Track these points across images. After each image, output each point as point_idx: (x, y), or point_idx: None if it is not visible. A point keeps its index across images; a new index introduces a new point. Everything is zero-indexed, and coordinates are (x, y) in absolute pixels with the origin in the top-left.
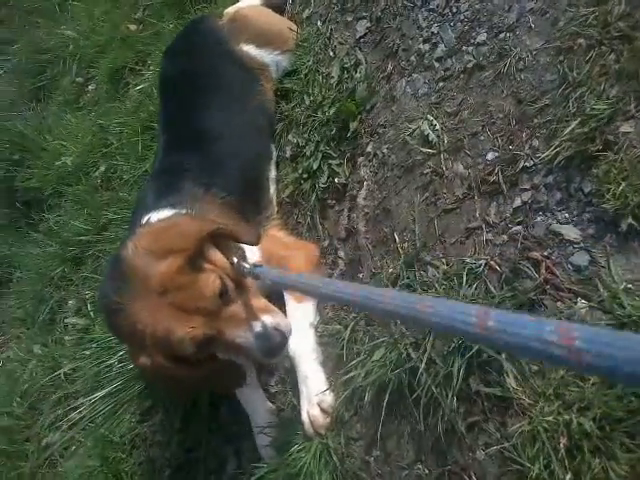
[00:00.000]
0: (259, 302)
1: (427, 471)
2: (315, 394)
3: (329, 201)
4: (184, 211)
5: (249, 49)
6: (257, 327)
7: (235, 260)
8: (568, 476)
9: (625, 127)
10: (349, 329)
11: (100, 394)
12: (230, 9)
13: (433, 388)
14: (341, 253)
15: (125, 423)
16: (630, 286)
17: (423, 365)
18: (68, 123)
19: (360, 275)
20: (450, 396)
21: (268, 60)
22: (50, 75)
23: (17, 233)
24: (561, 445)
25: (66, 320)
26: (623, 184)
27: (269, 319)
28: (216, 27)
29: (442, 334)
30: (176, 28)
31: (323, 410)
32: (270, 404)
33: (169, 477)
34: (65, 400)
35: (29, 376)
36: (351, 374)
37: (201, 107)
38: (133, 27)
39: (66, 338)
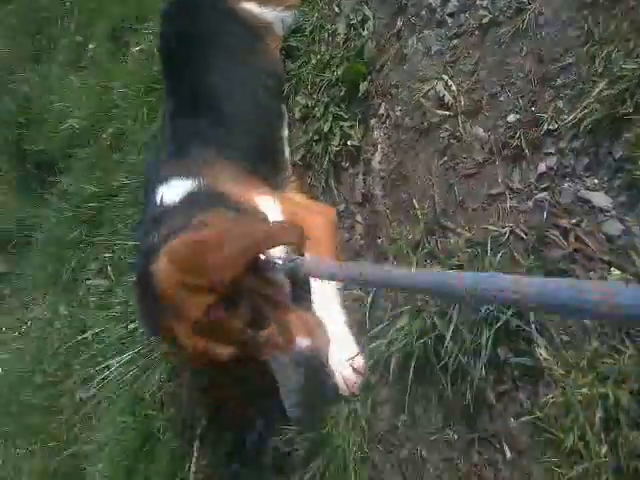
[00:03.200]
0: (296, 320)
1: (456, 437)
2: (346, 356)
3: (343, 164)
4: (194, 182)
5: (251, 7)
6: (293, 354)
7: (265, 258)
8: (604, 449)
9: None
10: (371, 295)
11: (127, 357)
12: None
13: (460, 357)
14: (358, 217)
15: (155, 382)
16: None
17: (449, 334)
18: (71, 84)
19: (379, 241)
20: (479, 365)
21: (271, 17)
22: (48, 35)
23: (32, 196)
24: (596, 418)
25: (88, 282)
26: None
27: (305, 342)
28: None
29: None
30: None
31: (355, 370)
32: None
33: (199, 434)
34: (94, 359)
35: (58, 335)
36: (376, 342)
37: (205, 69)
38: None
39: (90, 299)
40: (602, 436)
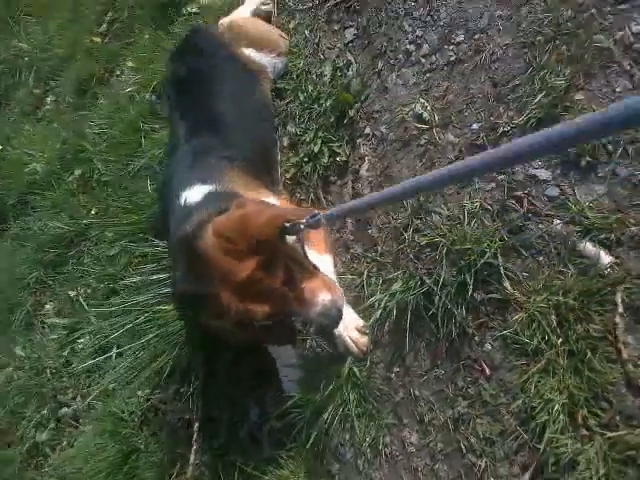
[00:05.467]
0: (318, 279)
1: (443, 372)
2: (349, 322)
3: (331, 178)
4: (214, 186)
5: (249, 52)
6: (318, 306)
7: (292, 223)
8: (560, 340)
9: (578, 95)
10: (364, 275)
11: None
12: (224, 20)
13: (447, 302)
14: (347, 219)
15: (133, 400)
16: (591, 205)
17: (439, 287)
18: (29, 133)
19: (369, 231)
20: (461, 307)
21: (265, 62)
22: (4, 87)
23: None
24: (553, 320)
25: (47, 321)
26: None
27: (327, 297)
28: (218, 34)
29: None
30: (154, 38)
31: (361, 331)
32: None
33: (191, 436)
34: (54, 397)
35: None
36: (375, 312)
37: (213, 98)
38: (97, 39)
39: (51, 337)
40: (558, 331)
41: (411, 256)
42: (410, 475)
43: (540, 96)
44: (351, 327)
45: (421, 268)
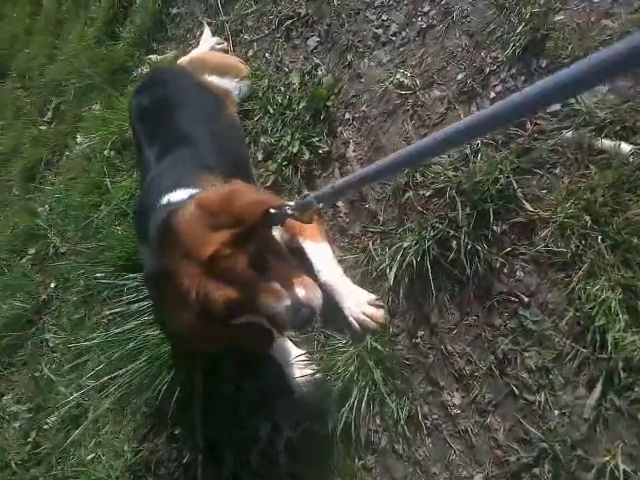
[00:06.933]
0: (296, 275)
1: (474, 317)
2: (360, 299)
3: (315, 172)
4: (198, 190)
5: (212, 79)
6: (288, 300)
7: (278, 209)
8: (600, 237)
9: (558, 16)
10: (368, 248)
11: None
12: (183, 59)
13: (467, 241)
14: (339, 203)
15: (119, 462)
16: (597, 104)
17: (455, 229)
18: None
19: (366, 206)
20: (483, 242)
21: (229, 86)
22: None
23: None
24: (586, 220)
25: (8, 410)
26: (569, 47)
27: (302, 292)
28: (180, 67)
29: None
30: (106, 102)
31: (374, 304)
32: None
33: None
34: None
35: None
36: (387, 280)
37: (181, 121)
38: (44, 127)
39: (14, 425)
40: (595, 229)
41: (418, 208)
42: (460, 440)
43: (520, 27)
44: (363, 303)
45: (431, 217)
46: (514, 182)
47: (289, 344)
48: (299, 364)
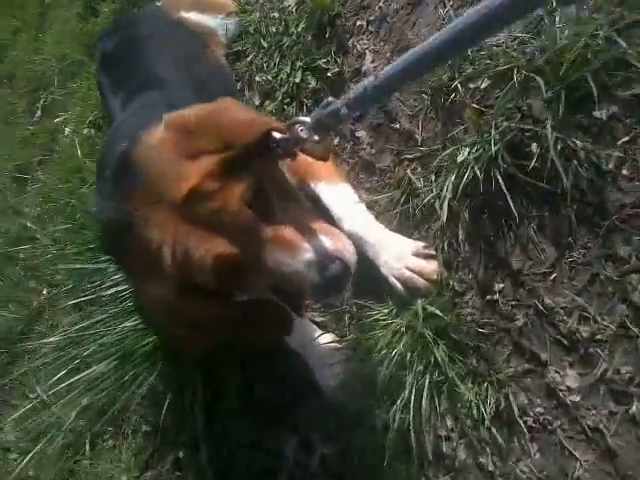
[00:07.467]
0: (313, 222)
1: (584, 250)
2: (403, 250)
3: (325, 99)
4: None
5: (191, 15)
6: (308, 252)
7: (283, 128)
8: None
9: None
10: (406, 180)
11: None
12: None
13: (557, 136)
14: (361, 133)
15: None
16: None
17: (534, 123)
18: None
19: (397, 127)
20: (581, 137)
21: (213, 24)
22: None
23: None
24: None
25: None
26: None
27: (327, 241)
28: (151, 8)
29: None
30: (83, 82)
31: (423, 255)
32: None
33: None
34: None
35: None
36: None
37: (151, 62)
38: (33, 127)
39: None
40: None
41: (473, 106)
42: (587, 444)
43: None
44: (406, 254)
45: (495, 116)
46: (619, 39)
47: (310, 326)
48: (325, 351)
